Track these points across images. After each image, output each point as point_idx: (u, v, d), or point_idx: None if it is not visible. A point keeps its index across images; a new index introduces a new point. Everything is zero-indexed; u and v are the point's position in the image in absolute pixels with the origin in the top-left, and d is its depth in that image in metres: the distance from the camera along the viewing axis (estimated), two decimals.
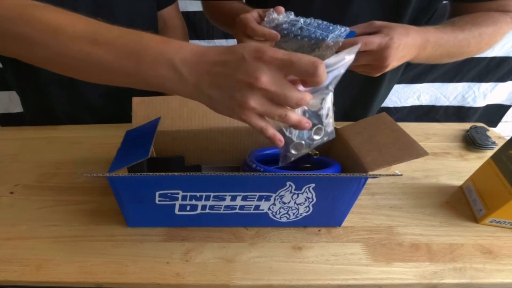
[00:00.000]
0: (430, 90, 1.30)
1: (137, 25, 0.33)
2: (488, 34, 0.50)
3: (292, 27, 0.44)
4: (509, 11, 0.52)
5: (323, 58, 0.44)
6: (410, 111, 1.37)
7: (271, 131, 0.34)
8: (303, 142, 0.38)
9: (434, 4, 0.55)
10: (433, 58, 0.52)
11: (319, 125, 0.37)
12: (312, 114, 0.36)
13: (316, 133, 0.37)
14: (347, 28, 0.43)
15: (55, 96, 0.70)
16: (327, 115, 0.37)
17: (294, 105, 0.30)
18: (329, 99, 0.36)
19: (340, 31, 0.42)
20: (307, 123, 0.33)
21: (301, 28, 0.43)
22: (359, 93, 0.71)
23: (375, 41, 0.43)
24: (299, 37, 0.44)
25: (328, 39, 0.42)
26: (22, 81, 0.70)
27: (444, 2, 0.58)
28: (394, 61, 0.44)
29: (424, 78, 1.26)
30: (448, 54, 0.51)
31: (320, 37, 0.43)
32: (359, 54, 0.45)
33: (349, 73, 0.65)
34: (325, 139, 0.39)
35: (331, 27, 0.43)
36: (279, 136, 0.34)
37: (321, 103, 0.36)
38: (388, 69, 0.46)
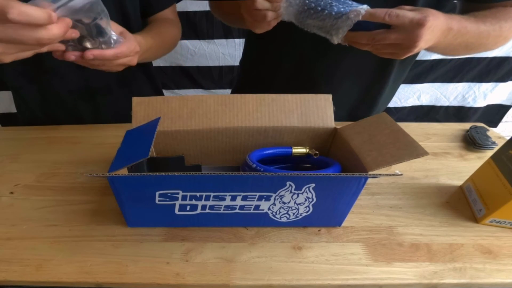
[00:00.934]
0: (430, 90, 1.30)
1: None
2: (507, 29, 0.50)
3: (319, 1, 0.44)
4: None
5: (339, 29, 0.45)
6: (410, 111, 1.37)
7: (58, 53, 0.40)
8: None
9: (443, 3, 0.55)
10: (451, 48, 0.51)
11: (89, 37, 0.42)
12: (85, 25, 0.40)
13: (89, 42, 0.42)
14: (368, 6, 0.43)
15: (27, 92, 0.69)
16: (102, 33, 0.42)
17: (35, 43, 0.32)
18: (105, 18, 0.40)
19: (361, 7, 0.43)
20: (73, 33, 0.38)
21: (325, 2, 0.44)
22: (364, 93, 0.70)
23: (408, 15, 0.41)
24: (326, 11, 0.44)
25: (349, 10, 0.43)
26: None
27: (454, 1, 0.58)
28: (423, 42, 0.43)
29: (424, 78, 1.26)
30: (466, 45, 0.50)
31: (347, 10, 0.43)
32: (389, 31, 0.44)
33: (354, 73, 0.66)
34: (103, 46, 0.43)
35: (351, 3, 0.44)
36: (65, 53, 0.41)
37: (94, 21, 0.40)
38: (415, 51, 0.45)
